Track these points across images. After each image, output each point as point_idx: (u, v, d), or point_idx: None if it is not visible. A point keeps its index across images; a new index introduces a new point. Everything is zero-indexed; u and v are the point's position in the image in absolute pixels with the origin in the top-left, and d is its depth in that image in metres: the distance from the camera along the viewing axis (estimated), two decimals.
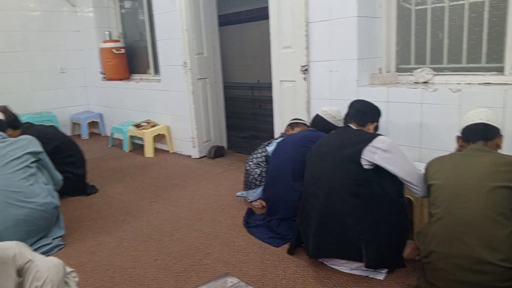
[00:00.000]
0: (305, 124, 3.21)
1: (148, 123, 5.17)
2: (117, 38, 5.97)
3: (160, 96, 5.09)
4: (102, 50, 5.81)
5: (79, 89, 6.54)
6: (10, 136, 2.91)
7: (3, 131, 2.85)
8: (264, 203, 3.08)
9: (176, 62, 4.60)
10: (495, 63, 2.74)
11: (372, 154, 2.08)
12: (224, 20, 5.90)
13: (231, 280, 1.76)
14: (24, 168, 2.65)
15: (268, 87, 3.99)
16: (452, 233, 1.74)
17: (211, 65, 4.74)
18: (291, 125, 3.25)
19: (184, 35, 4.37)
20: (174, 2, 4.38)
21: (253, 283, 2.11)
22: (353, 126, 2.37)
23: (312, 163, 2.35)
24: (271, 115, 3.89)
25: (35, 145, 2.83)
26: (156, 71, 5.45)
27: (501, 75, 2.70)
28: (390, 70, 3.25)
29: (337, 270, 2.20)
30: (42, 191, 2.68)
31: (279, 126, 3.73)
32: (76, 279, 1.65)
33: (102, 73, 6.11)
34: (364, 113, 2.43)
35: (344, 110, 2.55)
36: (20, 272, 1.46)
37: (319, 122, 2.89)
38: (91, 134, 6.46)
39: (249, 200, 3.19)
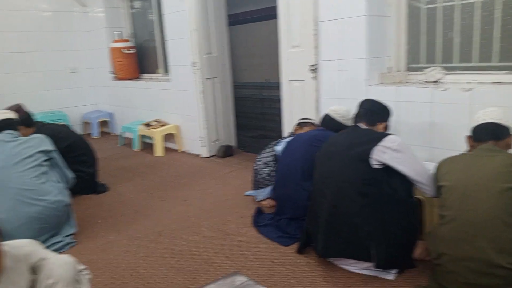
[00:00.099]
0: (313, 124, 3.21)
1: (158, 122, 5.20)
2: (127, 38, 6.02)
3: (169, 96, 5.12)
4: (112, 50, 5.86)
5: (90, 89, 6.60)
6: (23, 134, 2.95)
7: (15, 129, 2.89)
8: (272, 202, 3.09)
9: (185, 61, 4.62)
10: (507, 62, 2.71)
11: (382, 154, 2.07)
12: (233, 20, 5.90)
13: (240, 279, 1.77)
14: (36, 167, 2.69)
15: (277, 86, 3.99)
16: (462, 236, 1.73)
17: (220, 65, 4.76)
18: (300, 125, 3.25)
19: (193, 34, 4.39)
20: (183, 2, 4.40)
21: (262, 282, 2.12)
22: (362, 125, 2.36)
23: (321, 162, 2.35)
24: (279, 115, 3.89)
25: (47, 144, 2.87)
26: (166, 70, 5.48)
27: None
28: (400, 69, 3.23)
29: (347, 270, 2.19)
30: (54, 189, 2.72)
31: (288, 126, 3.72)
32: (89, 276, 1.67)
33: (112, 73, 6.16)
34: (374, 113, 2.42)
35: (353, 110, 2.54)
36: (34, 270, 1.47)
37: (328, 122, 2.88)
38: (102, 133, 6.52)
39: (257, 200, 3.20)
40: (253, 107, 6.22)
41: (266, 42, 5.77)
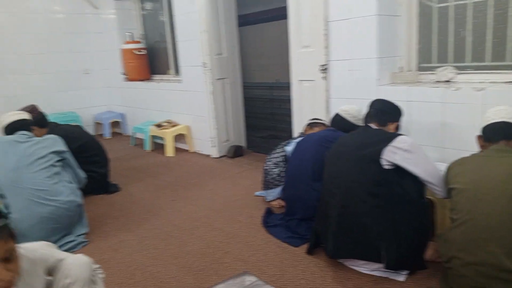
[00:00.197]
0: (324, 124, 3.20)
1: (169, 123, 5.24)
2: (138, 40, 6.07)
3: (180, 96, 5.15)
4: (124, 51, 5.92)
5: (102, 90, 6.67)
6: (36, 135, 2.98)
7: (29, 130, 2.93)
8: (282, 203, 3.08)
9: (196, 62, 4.64)
10: None
11: (393, 154, 2.05)
12: (243, 21, 5.91)
13: (249, 279, 1.78)
14: (48, 167, 2.73)
15: (287, 86, 3.98)
16: (474, 240, 1.69)
17: (230, 65, 4.77)
18: (311, 125, 3.24)
19: (203, 35, 4.41)
20: (194, 3, 4.43)
21: (271, 282, 2.12)
22: (373, 125, 2.35)
23: (331, 162, 2.34)
24: (289, 115, 3.88)
25: (60, 145, 2.90)
26: (177, 71, 5.52)
27: None
28: (411, 69, 3.20)
29: (357, 270, 2.18)
30: (66, 189, 2.75)
31: (298, 126, 3.72)
32: (102, 275, 1.69)
33: (124, 74, 6.22)
34: (385, 113, 2.40)
35: (364, 110, 2.52)
36: (50, 271, 1.48)
37: (339, 122, 2.86)
38: (114, 134, 6.59)
39: (267, 200, 3.20)
40: (263, 108, 6.22)
41: (276, 42, 5.77)
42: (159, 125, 5.21)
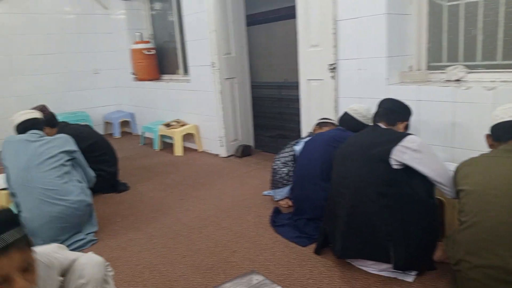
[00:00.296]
0: (333, 124, 3.18)
1: (178, 122, 5.26)
2: (147, 40, 6.11)
3: (189, 96, 5.18)
4: (133, 51, 5.96)
5: (111, 90, 6.73)
6: (47, 134, 3.01)
7: (41, 129, 2.96)
8: (290, 202, 3.08)
9: (205, 62, 4.66)
10: None
11: (402, 154, 2.04)
12: (252, 20, 5.92)
13: (257, 278, 1.77)
14: (59, 167, 2.75)
15: (295, 86, 3.98)
16: (482, 243, 1.66)
17: (239, 65, 4.78)
18: (320, 124, 3.23)
19: (212, 35, 4.42)
20: (203, 3, 4.44)
21: (279, 282, 2.12)
22: (382, 125, 2.33)
23: (339, 162, 2.33)
24: (298, 114, 3.87)
25: (70, 144, 2.92)
26: (186, 71, 5.54)
27: None
28: (421, 68, 3.17)
29: (365, 271, 2.17)
30: (76, 189, 2.76)
31: (306, 125, 3.71)
32: (112, 273, 1.70)
33: (133, 74, 6.26)
34: (394, 112, 2.39)
35: (373, 109, 2.51)
36: (64, 273, 1.49)
37: (348, 121, 2.83)
38: (123, 133, 6.64)
39: (275, 199, 3.20)
40: (271, 107, 6.22)
41: (286, 41, 5.76)
42: (168, 125, 5.24)
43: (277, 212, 2.98)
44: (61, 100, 6.20)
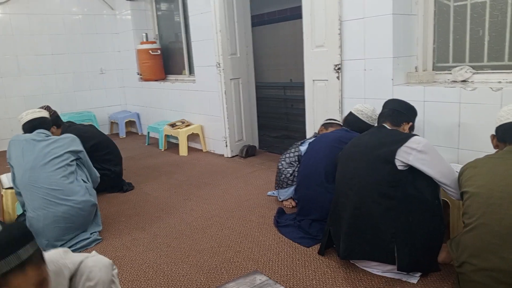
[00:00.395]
0: (339, 124, 3.17)
1: (183, 122, 5.28)
2: (153, 40, 6.14)
3: (194, 96, 5.19)
4: (139, 51, 5.99)
5: (117, 90, 6.77)
6: (53, 134, 3.03)
7: (48, 128, 2.96)
8: (294, 203, 3.08)
9: (210, 62, 4.67)
10: None
11: (407, 155, 2.02)
12: (257, 20, 5.92)
13: (260, 278, 1.77)
14: (64, 166, 2.75)
15: (301, 86, 3.97)
16: (486, 246, 1.64)
17: (244, 65, 4.78)
18: (325, 125, 3.21)
19: (217, 36, 4.43)
20: (208, 3, 4.45)
21: (282, 282, 2.12)
22: (387, 126, 2.32)
23: (344, 163, 2.32)
24: (303, 115, 3.86)
25: (77, 144, 2.92)
26: (191, 71, 5.56)
27: None
28: (427, 69, 3.15)
29: (369, 272, 2.16)
30: (81, 189, 2.76)
31: (311, 126, 3.70)
32: (116, 270, 1.70)
33: (139, 74, 6.29)
34: (399, 113, 2.37)
35: (378, 110, 2.49)
36: (72, 277, 1.48)
37: (354, 122, 2.80)
38: (128, 133, 6.67)
39: (280, 199, 3.19)
40: (276, 107, 6.21)
41: (291, 42, 5.76)
42: (173, 125, 5.25)
43: (281, 212, 2.97)
44: (67, 100, 6.25)
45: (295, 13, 5.41)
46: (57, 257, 1.45)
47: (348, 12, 3.21)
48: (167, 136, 5.41)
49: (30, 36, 5.85)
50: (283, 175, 3.15)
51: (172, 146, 5.41)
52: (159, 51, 5.97)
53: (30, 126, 2.89)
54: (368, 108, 2.81)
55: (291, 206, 3.09)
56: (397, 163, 2.03)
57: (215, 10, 4.38)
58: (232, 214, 3.09)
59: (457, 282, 1.85)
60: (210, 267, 2.35)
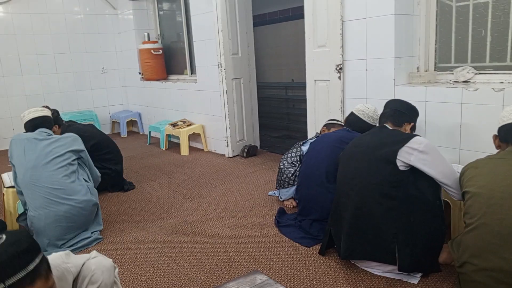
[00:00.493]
0: (341, 125, 3.16)
1: (184, 122, 5.28)
2: (155, 40, 6.14)
3: (195, 96, 5.19)
4: (141, 51, 6.00)
5: (119, 89, 6.78)
6: (55, 133, 3.03)
7: (50, 127, 2.96)
8: (295, 203, 3.07)
9: (212, 62, 4.67)
10: None
11: (408, 155, 2.02)
12: (259, 20, 5.92)
13: (261, 277, 1.77)
14: (66, 166, 2.75)
15: (302, 86, 3.97)
16: (487, 246, 1.63)
17: (246, 65, 4.78)
18: (327, 126, 3.21)
19: (219, 36, 4.43)
20: (210, 3, 4.45)
21: (283, 282, 2.11)
22: (389, 126, 2.32)
23: (345, 163, 2.32)
24: (304, 115, 3.86)
25: (78, 143, 2.91)
26: (192, 71, 5.56)
27: None
28: (429, 69, 3.15)
29: (369, 272, 2.16)
30: (83, 188, 2.76)
31: (313, 126, 3.70)
32: (116, 269, 1.70)
33: (140, 74, 6.30)
34: (401, 113, 2.37)
35: (379, 110, 2.49)
36: (74, 280, 1.48)
37: (355, 122, 2.80)
38: (130, 133, 6.67)
39: (281, 199, 3.19)
40: (278, 107, 6.22)
41: (293, 42, 5.76)
42: (174, 124, 5.26)
43: (281, 212, 2.97)
44: (69, 100, 6.26)
45: (297, 13, 5.41)
46: (59, 262, 1.45)
47: (350, 12, 3.21)
48: (168, 135, 5.41)
49: (32, 36, 5.86)
50: (285, 175, 3.15)
51: (174, 145, 5.41)
52: (160, 50, 5.97)
53: (32, 125, 2.90)
54: (370, 108, 2.81)
55: (292, 206, 3.09)
56: (399, 163, 2.03)
57: (217, 10, 4.38)
58: (233, 214, 3.09)
59: (458, 282, 1.84)
60: (211, 266, 2.35)
